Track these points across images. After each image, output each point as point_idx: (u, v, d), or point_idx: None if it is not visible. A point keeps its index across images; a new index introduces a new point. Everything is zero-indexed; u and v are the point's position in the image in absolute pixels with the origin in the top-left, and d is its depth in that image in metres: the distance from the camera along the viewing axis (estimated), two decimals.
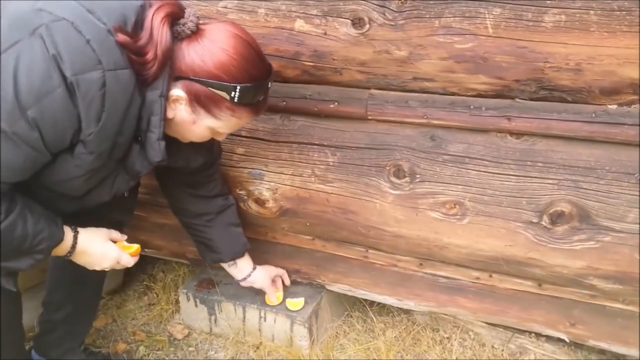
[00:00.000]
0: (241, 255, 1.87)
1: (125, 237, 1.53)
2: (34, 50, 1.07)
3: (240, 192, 1.88)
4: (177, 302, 2.17)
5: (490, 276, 1.73)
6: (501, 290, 1.73)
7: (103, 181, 1.35)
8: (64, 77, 1.08)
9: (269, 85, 1.35)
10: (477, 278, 1.75)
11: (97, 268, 1.46)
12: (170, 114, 1.28)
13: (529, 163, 1.49)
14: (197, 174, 1.70)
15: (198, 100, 1.27)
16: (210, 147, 1.64)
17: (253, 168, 1.84)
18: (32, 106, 1.07)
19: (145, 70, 1.19)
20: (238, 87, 1.25)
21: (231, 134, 1.79)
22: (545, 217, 1.51)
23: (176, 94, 1.25)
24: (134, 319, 2.21)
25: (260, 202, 1.87)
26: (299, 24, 1.56)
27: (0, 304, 1.43)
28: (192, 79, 1.24)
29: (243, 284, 1.92)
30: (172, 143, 1.35)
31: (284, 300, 1.96)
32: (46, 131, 1.10)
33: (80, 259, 1.42)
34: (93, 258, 1.43)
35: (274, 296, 1.95)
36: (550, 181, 1.48)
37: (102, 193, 1.38)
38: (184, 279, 2.33)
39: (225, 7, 1.62)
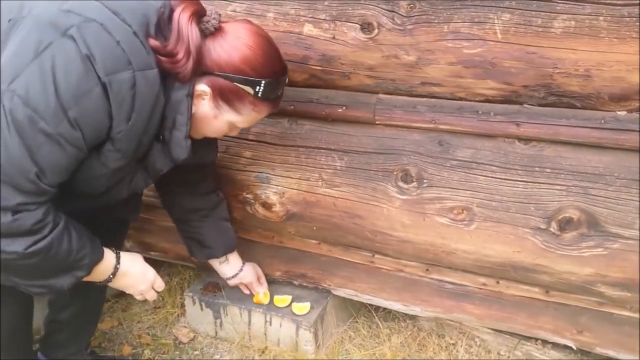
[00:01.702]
0: (233, 249, 1.88)
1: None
2: (68, 51, 1.08)
3: (247, 195, 1.88)
4: (183, 305, 2.17)
5: (498, 282, 1.72)
6: (508, 297, 1.72)
7: (122, 179, 1.36)
8: (98, 77, 1.09)
9: (286, 81, 1.40)
10: (484, 284, 1.74)
11: (134, 291, 1.50)
12: (192, 109, 1.30)
13: (537, 169, 1.49)
14: (198, 170, 1.71)
15: (222, 95, 1.29)
16: (217, 143, 1.65)
17: (260, 172, 1.84)
18: (73, 107, 1.09)
19: (177, 69, 1.21)
20: (262, 82, 1.28)
21: (238, 137, 1.81)
22: (553, 224, 1.51)
23: (201, 89, 1.28)
24: (140, 322, 2.21)
25: (267, 205, 1.87)
26: (308, 28, 1.57)
27: (12, 305, 1.44)
28: (217, 75, 1.26)
29: (232, 281, 1.93)
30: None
31: (290, 304, 1.96)
32: (86, 130, 1.13)
33: (121, 280, 1.45)
34: (133, 279, 1.48)
35: (263, 294, 1.97)
36: (558, 187, 1.47)
37: (120, 191, 1.39)
38: (190, 282, 2.33)
39: (234, 11, 1.63)
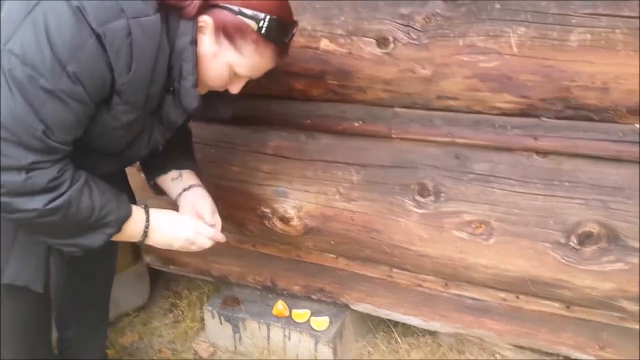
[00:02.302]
0: (190, 168, 1.64)
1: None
2: (59, 5, 1.08)
3: (265, 209, 1.90)
4: (202, 319, 2.18)
5: (517, 297, 1.70)
6: (528, 312, 1.70)
7: (140, 135, 1.35)
8: (91, 29, 1.09)
9: (294, 32, 1.34)
10: (504, 299, 1.72)
11: (180, 244, 1.45)
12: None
13: (555, 182, 1.47)
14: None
15: (224, 29, 1.24)
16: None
17: (278, 186, 1.85)
18: (70, 61, 1.08)
19: (183, 1, 1.20)
20: (267, 17, 1.24)
21: (256, 151, 1.82)
22: (573, 238, 1.49)
23: (203, 20, 1.24)
24: (160, 336, 2.23)
25: (285, 220, 1.88)
26: (324, 44, 1.58)
27: (32, 305, 1.45)
28: (222, 6, 1.23)
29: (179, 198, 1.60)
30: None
31: (309, 318, 1.95)
32: (87, 83, 1.12)
33: (157, 236, 1.41)
34: (171, 232, 1.43)
35: (282, 305, 1.96)
36: (577, 201, 1.46)
37: (140, 147, 1.38)
38: (209, 296, 2.34)
39: None
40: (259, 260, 2.03)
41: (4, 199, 1.14)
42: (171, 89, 1.30)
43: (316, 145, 1.75)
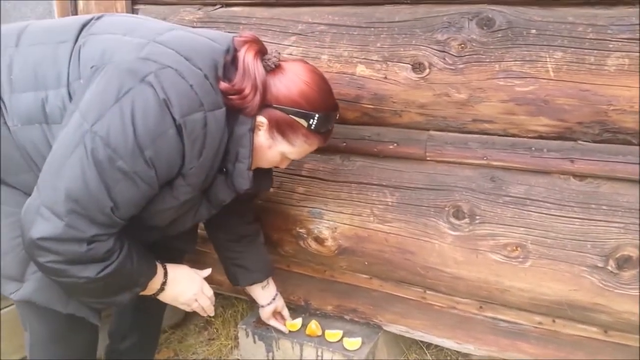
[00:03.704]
0: (273, 272, 1.91)
1: (209, 270, 1.64)
2: (146, 96, 1.17)
3: (300, 230, 1.92)
4: (236, 337, 2.20)
5: (554, 321, 1.68)
6: (565, 336, 1.68)
7: (186, 213, 1.43)
8: (173, 119, 1.18)
9: (337, 117, 1.45)
10: (540, 323, 1.71)
11: (185, 299, 1.54)
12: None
13: (593, 206, 1.47)
14: (249, 201, 1.77)
15: (278, 127, 1.35)
16: (272, 173, 1.69)
17: (313, 207, 1.88)
18: (149, 147, 1.17)
19: (245, 104, 1.30)
20: (317, 116, 1.34)
21: (291, 173, 1.85)
22: (611, 262, 1.48)
23: (259, 120, 1.34)
24: (195, 354, 2.26)
25: (319, 240, 1.90)
26: (360, 69, 1.62)
27: (82, 336, 1.52)
28: (275, 107, 1.33)
29: (269, 307, 1.94)
30: None
31: (341, 338, 1.96)
32: (160, 168, 1.21)
33: (171, 290, 1.50)
34: (182, 286, 1.53)
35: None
36: (615, 225, 1.45)
37: (185, 221, 1.47)
38: (243, 314, 2.37)
39: (291, 54, 1.70)
40: (293, 279, 2.05)
41: (61, 266, 1.21)
42: (224, 170, 1.39)
43: (351, 167, 1.78)
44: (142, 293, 1.43)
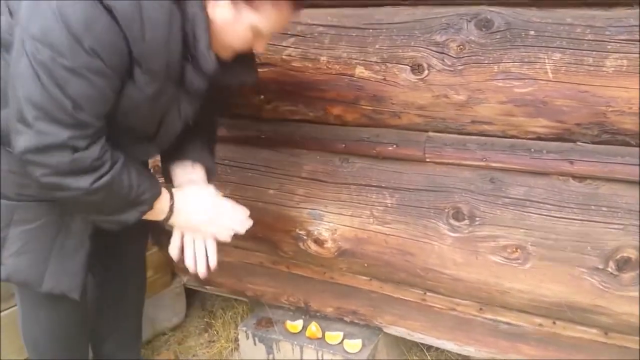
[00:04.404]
0: (209, 169, 1.63)
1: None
2: None
3: (300, 232, 1.92)
4: (237, 339, 2.20)
5: (554, 323, 1.68)
6: (565, 338, 1.68)
7: (170, 110, 1.39)
8: (101, 3, 1.14)
9: None
10: (540, 325, 1.70)
11: (202, 221, 1.50)
12: (209, 15, 1.29)
13: (592, 207, 1.47)
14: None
15: None
16: (255, 64, 1.58)
17: (313, 208, 1.88)
18: (85, 35, 1.13)
19: None
20: None
21: (291, 175, 1.86)
22: (611, 263, 1.47)
23: None
24: (195, 356, 2.26)
25: (319, 242, 1.90)
26: (359, 71, 1.62)
27: (70, 316, 1.56)
28: None
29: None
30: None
31: (342, 341, 1.96)
32: (106, 57, 1.16)
33: (180, 217, 1.47)
34: (193, 209, 1.49)
35: (315, 327, 1.99)
36: (615, 226, 1.45)
37: (173, 123, 1.43)
38: (243, 316, 2.37)
39: (290, 55, 1.70)
40: (292, 281, 2.05)
41: (54, 179, 1.22)
42: (189, 56, 1.32)
43: (350, 169, 1.78)
44: (151, 217, 1.42)
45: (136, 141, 1.40)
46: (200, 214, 1.50)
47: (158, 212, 1.43)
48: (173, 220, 1.47)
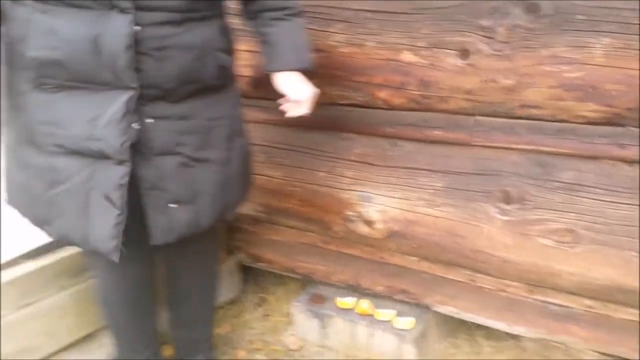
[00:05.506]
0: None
1: None
2: None
3: (350, 213, 1.97)
4: (290, 314, 2.29)
5: (604, 305, 1.67)
6: (616, 321, 1.67)
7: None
8: None
9: None
10: (590, 307, 1.70)
11: None
12: None
13: None
14: None
15: None
16: None
17: (362, 191, 1.92)
18: None
19: None
20: None
21: (341, 158, 1.89)
22: None
23: None
24: (251, 329, 2.36)
25: (369, 223, 1.94)
26: (406, 56, 1.63)
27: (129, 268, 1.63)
28: None
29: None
30: None
31: (393, 318, 2.01)
32: None
33: None
34: None
35: (368, 305, 2.03)
36: None
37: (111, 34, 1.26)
38: (296, 292, 2.45)
39: (337, 41, 1.72)
40: (343, 260, 2.10)
41: None
42: None
43: (399, 153, 1.80)
44: None
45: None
46: None
47: None
48: None
